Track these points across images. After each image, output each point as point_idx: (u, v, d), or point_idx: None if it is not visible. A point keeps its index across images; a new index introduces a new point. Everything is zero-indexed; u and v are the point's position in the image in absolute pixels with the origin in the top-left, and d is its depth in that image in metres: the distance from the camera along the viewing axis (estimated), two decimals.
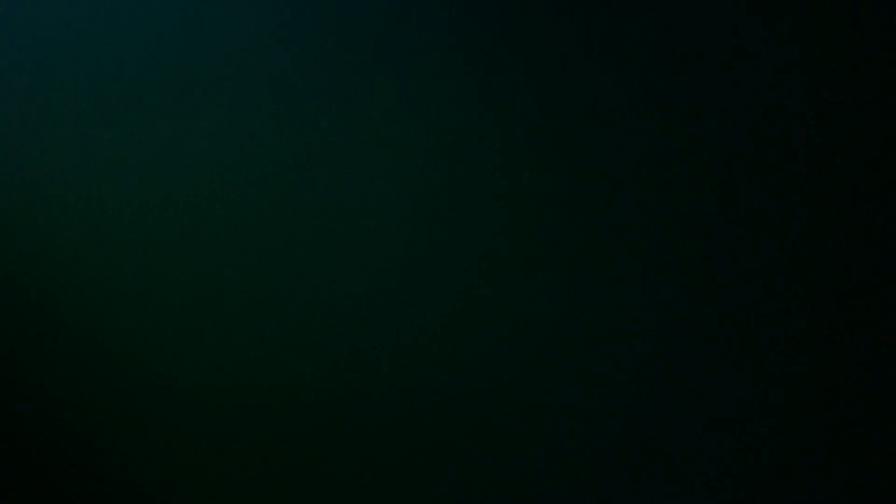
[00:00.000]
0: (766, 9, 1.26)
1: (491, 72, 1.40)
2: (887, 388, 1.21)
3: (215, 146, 1.55)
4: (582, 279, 1.35)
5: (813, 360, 1.25)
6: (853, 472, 1.23)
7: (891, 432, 1.21)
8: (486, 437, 1.40)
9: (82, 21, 1.63)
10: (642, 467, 1.32)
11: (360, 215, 1.47)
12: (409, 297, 1.44)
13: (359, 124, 1.47)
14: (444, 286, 1.42)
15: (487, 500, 1.39)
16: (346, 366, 1.48)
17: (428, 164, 1.43)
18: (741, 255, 1.28)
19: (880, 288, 1.22)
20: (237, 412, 1.53)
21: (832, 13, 1.23)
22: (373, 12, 1.46)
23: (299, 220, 1.50)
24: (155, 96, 1.59)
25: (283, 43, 1.51)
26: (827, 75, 1.24)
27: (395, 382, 1.45)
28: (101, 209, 1.62)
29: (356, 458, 1.47)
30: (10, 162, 1.67)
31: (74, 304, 1.63)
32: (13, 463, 1.66)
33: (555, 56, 1.36)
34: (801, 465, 1.25)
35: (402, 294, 1.44)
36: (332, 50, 1.49)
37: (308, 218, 1.49)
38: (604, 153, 1.35)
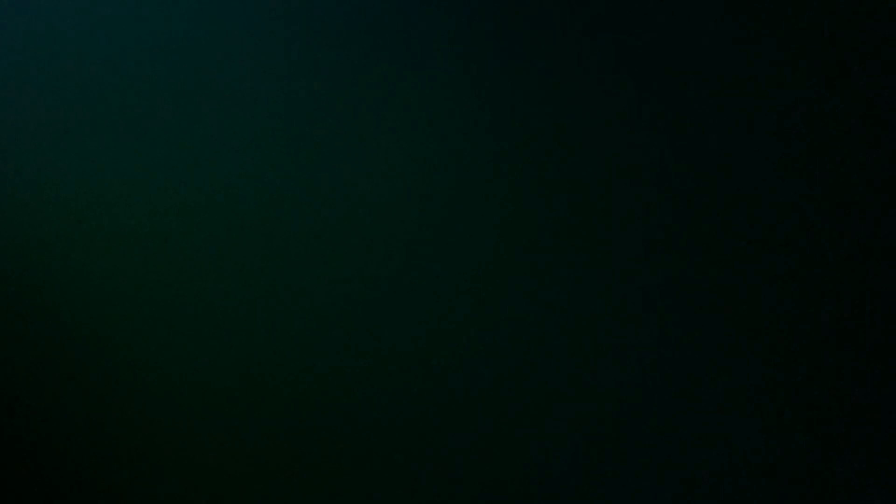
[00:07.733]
0: (766, 9, 1.27)
1: (491, 73, 1.40)
2: (887, 389, 1.21)
3: (215, 147, 1.55)
4: (583, 279, 1.35)
5: (812, 359, 1.25)
6: (852, 473, 1.23)
7: (890, 432, 1.21)
8: (485, 437, 1.40)
9: (83, 23, 1.63)
10: (642, 467, 1.32)
11: (361, 216, 1.47)
12: (409, 297, 1.44)
13: (359, 125, 1.47)
14: (444, 286, 1.42)
15: (488, 499, 1.39)
16: (346, 365, 1.48)
17: (429, 164, 1.43)
18: (741, 256, 1.28)
19: (880, 288, 1.22)
20: (238, 412, 1.53)
21: (831, 13, 1.24)
22: (373, 13, 1.46)
23: (300, 220, 1.50)
24: (155, 99, 1.59)
25: (281, 43, 1.51)
26: (826, 75, 1.25)
27: (396, 382, 1.45)
28: (101, 210, 1.61)
29: (356, 458, 1.46)
30: (11, 163, 1.67)
31: (75, 305, 1.62)
32: (13, 463, 1.65)
33: (556, 55, 1.37)
34: (799, 465, 1.25)
35: (403, 294, 1.44)
36: (332, 50, 1.49)
37: (309, 218, 1.49)
38: (604, 153, 1.35)
